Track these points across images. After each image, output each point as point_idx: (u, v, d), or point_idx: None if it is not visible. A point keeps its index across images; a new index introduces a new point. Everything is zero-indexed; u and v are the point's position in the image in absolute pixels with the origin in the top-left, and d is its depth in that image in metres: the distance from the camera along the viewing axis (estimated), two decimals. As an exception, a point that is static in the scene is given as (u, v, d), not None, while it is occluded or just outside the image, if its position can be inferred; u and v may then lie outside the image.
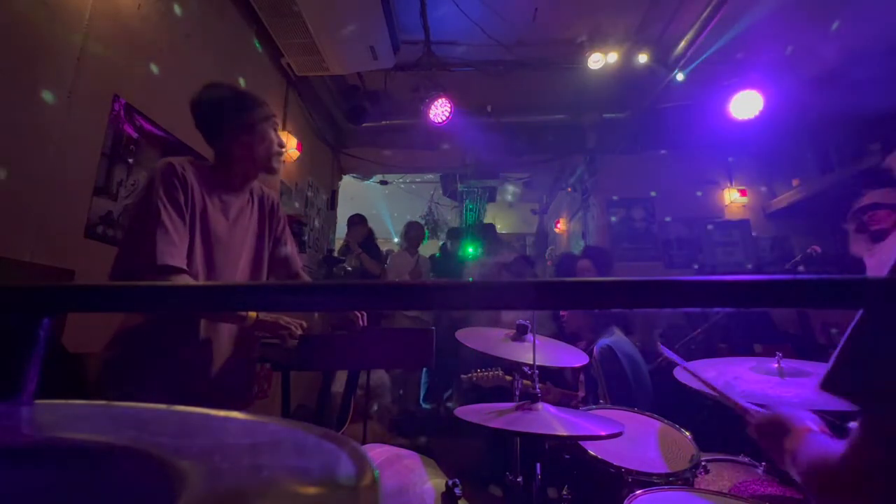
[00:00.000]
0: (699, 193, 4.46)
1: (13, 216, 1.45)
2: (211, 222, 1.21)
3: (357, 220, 4.22)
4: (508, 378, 1.93)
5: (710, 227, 4.35)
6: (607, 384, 1.87)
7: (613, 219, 4.51)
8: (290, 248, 1.48)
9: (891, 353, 0.40)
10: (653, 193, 4.46)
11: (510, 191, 6.86)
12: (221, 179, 1.28)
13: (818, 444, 0.60)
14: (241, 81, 2.80)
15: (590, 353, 1.81)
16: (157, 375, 1.12)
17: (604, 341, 1.95)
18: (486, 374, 1.99)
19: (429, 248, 4.49)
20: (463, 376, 2.05)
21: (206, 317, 1.21)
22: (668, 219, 4.42)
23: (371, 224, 4.36)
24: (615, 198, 4.55)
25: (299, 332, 1.32)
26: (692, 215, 4.42)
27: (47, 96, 1.54)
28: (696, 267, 4.30)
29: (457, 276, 3.98)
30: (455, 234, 4.44)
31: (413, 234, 4.19)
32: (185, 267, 1.10)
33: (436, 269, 4.17)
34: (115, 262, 1.11)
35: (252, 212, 1.35)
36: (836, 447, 0.53)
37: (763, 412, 0.82)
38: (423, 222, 5.03)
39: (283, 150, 1.34)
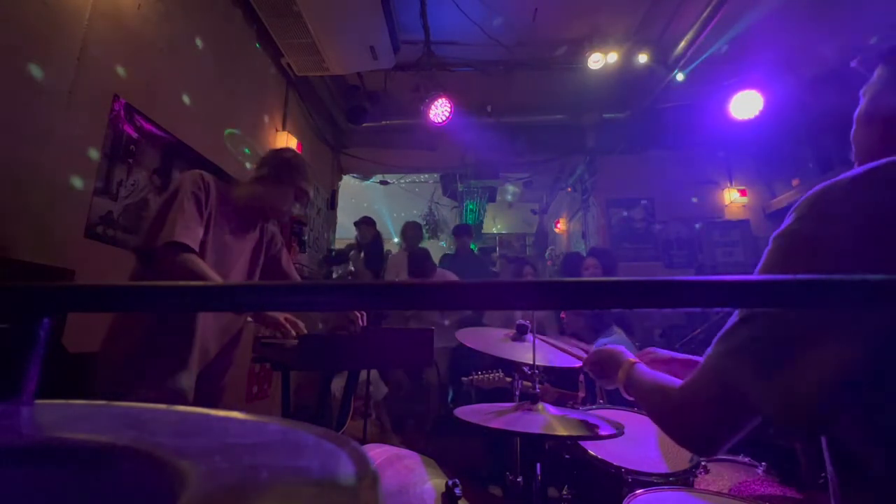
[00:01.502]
0: (697, 198, 4.47)
1: (13, 216, 1.45)
2: (218, 228, 1.38)
3: (365, 221, 4.38)
4: (509, 380, 1.93)
5: (698, 225, 4.35)
6: (607, 390, 1.87)
7: (614, 219, 4.51)
8: (285, 264, 1.66)
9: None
10: (643, 202, 4.48)
11: (510, 191, 6.86)
12: (235, 201, 1.46)
13: (648, 374, 0.75)
14: (242, 81, 2.80)
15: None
16: (144, 374, 1.23)
17: (602, 341, 1.96)
18: (486, 376, 1.98)
19: (428, 247, 4.46)
20: (463, 378, 2.05)
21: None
22: (659, 225, 4.42)
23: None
24: (615, 198, 4.55)
25: (295, 332, 1.38)
26: (692, 215, 4.42)
27: (47, 96, 1.54)
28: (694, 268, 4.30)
29: (474, 273, 3.91)
30: (465, 231, 4.37)
31: (410, 233, 4.19)
32: (196, 249, 1.26)
33: (452, 267, 4.13)
34: (143, 237, 1.28)
35: (253, 234, 1.54)
36: (668, 378, 0.69)
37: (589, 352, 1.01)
38: (423, 222, 5.03)
39: (286, 216, 1.54)
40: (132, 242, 1.34)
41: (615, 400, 1.79)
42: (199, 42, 2.37)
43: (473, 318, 3.07)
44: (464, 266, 3.96)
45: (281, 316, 1.47)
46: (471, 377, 2.01)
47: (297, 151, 1.55)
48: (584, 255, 3.23)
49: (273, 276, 1.61)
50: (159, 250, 1.22)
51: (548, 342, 1.38)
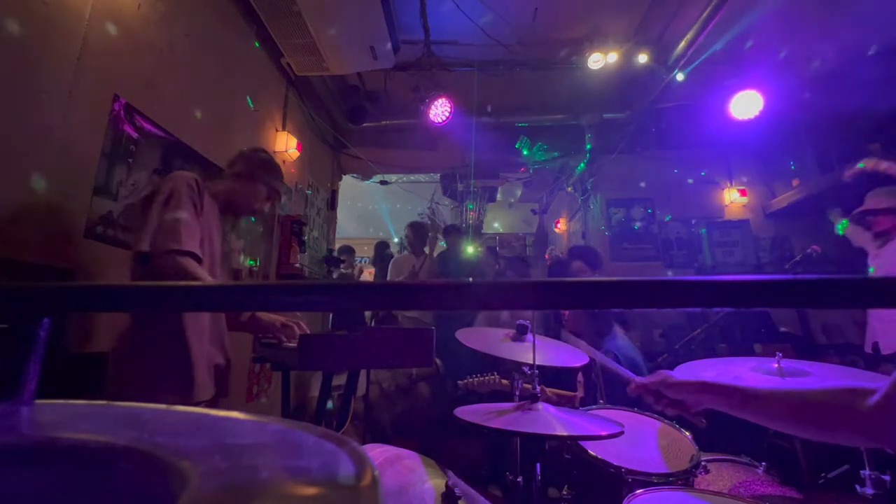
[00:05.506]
0: (697, 198, 4.47)
1: (13, 216, 1.45)
2: (206, 226, 1.48)
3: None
4: (505, 382, 1.92)
5: (696, 222, 4.35)
6: (606, 390, 1.86)
7: (613, 219, 4.52)
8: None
9: None
10: (643, 202, 4.49)
11: (510, 191, 6.85)
12: (213, 196, 1.57)
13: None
14: (241, 81, 2.80)
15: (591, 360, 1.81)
16: (148, 371, 1.32)
17: (607, 349, 1.95)
18: (481, 379, 1.96)
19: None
20: (459, 382, 2.04)
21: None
22: (668, 217, 4.43)
23: (370, 224, 4.39)
24: (615, 198, 4.55)
25: (293, 336, 1.42)
26: (692, 215, 4.42)
27: (47, 96, 1.54)
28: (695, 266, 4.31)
29: (459, 273, 3.93)
30: (454, 231, 4.41)
31: (412, 233, 4.19)
32: (201, 257, 1.39)
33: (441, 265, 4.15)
34: (148, 241, 1.32)
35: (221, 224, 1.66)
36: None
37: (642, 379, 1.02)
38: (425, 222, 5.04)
39: (257, 213, 1.72)
40: (133, 244, 1.39)
41: (615, 400, 1.79)
42: (198, 42, 2.37)
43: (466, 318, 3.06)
44: (448, 265, 4.01)
45: (277, 321, 1.53)
46: (465, 381, 1.99)
47: (270, 154, 1.73)
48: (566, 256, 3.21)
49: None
50: (164, 255, 1.30)
51: (574, 343, 1.39)
